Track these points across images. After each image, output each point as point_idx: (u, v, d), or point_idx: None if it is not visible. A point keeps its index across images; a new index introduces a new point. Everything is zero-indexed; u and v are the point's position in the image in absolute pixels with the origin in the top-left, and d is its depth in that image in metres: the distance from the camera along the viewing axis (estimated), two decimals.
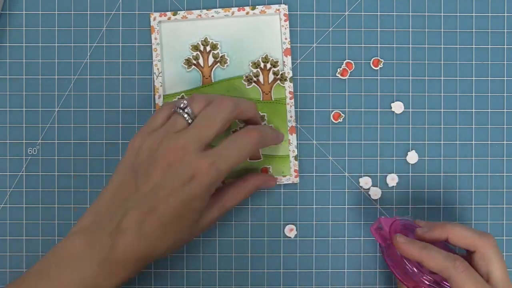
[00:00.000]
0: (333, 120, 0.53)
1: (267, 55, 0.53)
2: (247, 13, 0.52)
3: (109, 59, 0.53)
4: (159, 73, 0.52)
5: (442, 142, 0.53)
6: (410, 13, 0.53)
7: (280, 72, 0.52)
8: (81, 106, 0.53)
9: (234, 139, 0.43)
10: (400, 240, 0.44)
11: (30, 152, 0.53)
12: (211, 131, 0.43)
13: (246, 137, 0.44)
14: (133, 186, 0.43)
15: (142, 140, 0.43)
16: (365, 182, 0.53)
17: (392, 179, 0.53)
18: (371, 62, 0.53)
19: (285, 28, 0.52)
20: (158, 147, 0.42)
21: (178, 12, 0.52)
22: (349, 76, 0.53)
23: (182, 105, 0.44)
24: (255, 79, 0.53)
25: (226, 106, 0.44)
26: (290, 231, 0.53)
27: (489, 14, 0.53)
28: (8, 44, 0.53)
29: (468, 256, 0.45)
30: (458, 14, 0.53)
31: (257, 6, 0.52)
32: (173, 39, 0.53)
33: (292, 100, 0.52)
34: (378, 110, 0.53)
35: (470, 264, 0.43)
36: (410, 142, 0.53)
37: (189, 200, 0.42)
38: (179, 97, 0.52)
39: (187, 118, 0.44)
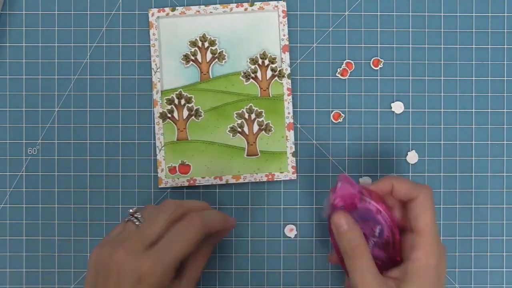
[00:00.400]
0: (333, 120, 0.53)
1: (265, 51, 0.53)
2: (246, 9, 0.52)
3: (109, 59, 0.53)
4: (157, 69, 0.52)
5: (442, 142, 0.53)
6: (410, 13, 0.53)
7: (278, 69, 0.53)
8: (81, 106, 0.53)
9: (176, 230, 0.43)
10: (361, 181, 0.47)
11: (30, 152, 0.53)
12: (152, 230, 0.43)
13: (188, 227, 0.43)
14: None
15: (97, 254, 0.43)
16: (364, 181, 0.53)
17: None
18: (371, 62, 0.53)
19: (283, 25, 0.52)
20: (107, 256, 0.42)
21: (177, 8, 0.52)
22: (349, 76, 0.53)
23: (131, 211, 0.45)
24: (253, 75, 0.53)
25: (167, 207, 0.44)
26: (290, 231, 0.53)
27: (489, 14, 0.53)
28: (8, 44, 0.53)
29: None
30: (458, 14, 0.53)
31: (255, 3, 0.52)
32: (172, 35, 0.53)
33: (290, 97, 0.53)
34: (378, 110, 0.53)
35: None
36: (410, 142, 0.53)
37: None
38: (177, 93, 0.52)
39: (136, 222, 0.44)
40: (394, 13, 0.53)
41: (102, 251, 0.43)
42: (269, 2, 0.52)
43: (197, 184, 0.52)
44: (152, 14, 0.52)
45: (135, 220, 0.44)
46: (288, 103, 0.52)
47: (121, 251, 0.42)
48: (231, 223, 0.48)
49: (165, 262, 0.42)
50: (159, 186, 0.52)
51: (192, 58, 0.53)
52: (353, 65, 0.53)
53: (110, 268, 0.42)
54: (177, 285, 0.45)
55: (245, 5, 0.52)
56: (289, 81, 0.53)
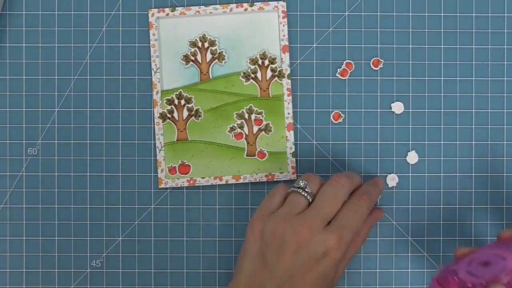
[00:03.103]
0: (333, 120, 0.53)
1: (265, 52, 0.53)
2: (245, 9, 0.52)
3: (109, 59, 0.53)
4: (157, 69, 0.52)
5: (442, 142, 0.53)
6: (410, 13, 0.53)
7: (278, 69, 0.53)
8: (81, 106, 0.53)
9: (349, 207, 0.46)
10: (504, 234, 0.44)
11: (30, 152, 0.53)
12: (333, 209, 0.45)
13: (359, 204, 0.46)
14: (267, 273, 0.44)
15: (264, 225, 0.45)
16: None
17: (392, 179, 0.53)
18: (371, 62, 0.53)
19: (283, 25, 0.52)
20: (284, 231, 0.44)
21: (176, 8, 0.52)
22: (349, 76, 0.53)
23: (302, 184, 0.47)
24: (253, 75, 0.53)
25: (344, 186, 0.46)
26: None
27: (489, 14, 0.53)
28: (8, 44, 0.53)
29: None
30: (458, 14, 0.53)
31: (255, 3, 0.52)
32: (171, 35, 0.53)
33: (290, 97, 0.53)
34: (378, 110, 0.53)
35: None
36: (410, 142, 0.53)
37: (325, 275, 0.44)
38: (177, 93, 0.52)
39: (307, 197, 0.46)
40: (394, 13, 0.53)
41: (275, 225, 0.45)
42: (269, 2, 0.52)
43: (197, 184, 0.52)
44: (152, 15, 0.52)
45: (306, 195, 0.46)
46: (288, 103, 0.53)
47: (303, 229, 0.44)
48: (380, 188, 0.50)
49: (347, 238, 0.44)
50: (159, 186, 0.52)
51: (192, 58, 0.53)
52: (353, 65, 0.53)
53: (289, 243, 0.44)
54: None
55: (245, 5, 0.52)
56: (289, 81, 0.53)
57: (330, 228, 0.45)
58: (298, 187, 0.46)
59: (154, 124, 0.53)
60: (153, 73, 0.52)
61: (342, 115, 0.53)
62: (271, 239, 0.44)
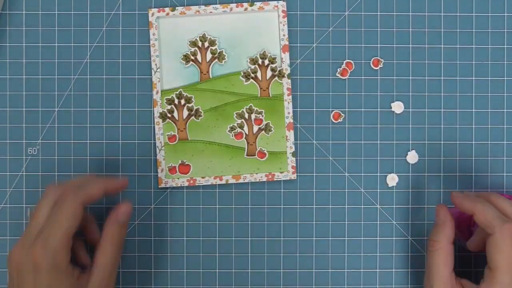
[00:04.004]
0: (333, 120, 0.53)
1: (265, 51, 0.53)
2: (245, 9, 0.52)
3: (109, 59, 0.53)
4: (157, 69, 0.52)
5: (442, 142, 0.53)
6: (410, 13, 0.53)
7: (278, 69, 0.53)
8: (81, 106, 0.53)
9: (53, 211, 0.44)
10: (454, 195, 0.46)
11: (30, 152, 0.53)
12: (37, 219, 0.44)
13: (62, 204, 0.44)
14: None
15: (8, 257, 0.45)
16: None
17: (392, 179, 0.53)
18: (371, 62, 0.53)
19: (283, 25, 0.52)
20: (8, 258, 0.44)
21: (177, 7, 0.52)
22: (349, 76, 0.53)
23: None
24: (253, 75, 0.53)
25: (45, 195, 0.45)
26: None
27: (489, 14, 0.53)
28: (8, 44, 0.53)
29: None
30: (458, 14, 0.53)
31: (255, 3, 0.52)
32: (171, 34, 0.53)
33: (290, 97, 0.53)
34: (378, 110, 0.53)
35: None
36: (410, 142, 0.53)
37: (50, 283, 0.43)
38: (177, 93, 0.52)
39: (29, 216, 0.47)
40: (394, 13, 0.53)
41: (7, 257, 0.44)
42: (269, 2, 0.52)
43: (197, 184, 0.52)
44: (152, 14, 0.52)
45: (29, 215, 0.46)
46: (288, 103, 0.53)
47: (15, 249, 0.44)
48: (116, 185, 0.48)
49: (51, 244, 0.42)
50: (159, 186, 0.52)
51: (192, 58, 0.53)
52: (353, 65, 0.53)
53: (11, 267, 0.44)
54: (87, 273, 0.45)
55: (245, 5, 0.52)
56: (289, 81, 0.53)
57: (36, 240, 0.43)
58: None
59: (154, 124, 0.53)
60: (153, 72, 0.52)
61: (342, 114, 0.53)
62: (9, 268, 0.45)
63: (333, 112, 0.53)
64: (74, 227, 0.44)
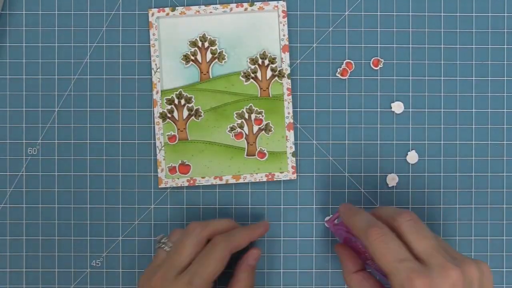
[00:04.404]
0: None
1: (265, 51, 0.53)
2: (246, 9, 0.52)
3: (109, 59, 0.53)
4: (157, 69, 0.52)
5: (442, 142, 0.53)
6: (410, 13, 0.53)
7: (278, 69, 0.53)
8: (81, 106, 0.53)
9: (203, 254, 0.46)
10: (341, 210, 0.46)
11: (30, 152, 0.53)
12: (183, 257, 0.46)
13: (213, 250, 0.46)
14: None
15: (138, 284, 0.47)
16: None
17: (392, 179, 0.53)
18: (371, 62, 0.53)
19: (283, 25, 0.52)
20: (143, 285, 0.46)
21: (176, 8, 0.52)
22: (349, 76, 0.53)
23: (158, 238, 0.49)
24: (253, 75, 0.53)
25: (192, 230, 0.47)
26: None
27: (489, 14, 0.53)
28: (8, 44, 0.53)
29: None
30: (458, 14, 0.53)
31: (255, 3, 0.52)
32: (171, 35, 0.53)
33: (290, 97, 0.53)
34: (378, 110, 0.53)
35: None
36: (410, 142, 0.53)
37: None
38: (177, 93, 0.52)
39: (165, 248, 0.48)
40: (394, 13, 0.53)
41: (140, 281, 0.47)
42: (269, 2, 0.52)
43: (197, 184, 0.52)
44: (152, 14, 0.52)
45: (163, 246, 0.48)
46: (288, 103, 0.53)
47: (156, 278, 0.45)
48: (259, 233, 0.49)
49: (196, 282, 0.45)
50: (159, 186, 0.52)
51: (192, 58, 0.53)
52: (353, 65, 0.53)
53: None
54: None
55: (245, 5, 0.52)
56: (289, 81, 0.53)
57: (180, 276, 0.45)
58: (157, 241, 0.48)
59: (154, 124, 0.53)
60: (153, 72, 0.52)
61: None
62: None
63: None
64: (218, 272, 0.46)
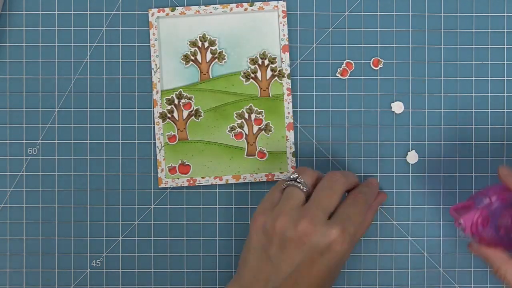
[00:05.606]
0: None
1: (265, 51, 0.53)
2: (245, 9, 0.52)
3: (109, 59, 0.53)
4: (157, 69, 0.52)
5: (442, 142, 0.53)
6: (410, 13, 0.53)
7: (278, 69, 0.53)
8: (81, 106, 0.53)
9: (348, 202, 0.46)
10: (501, 170, 0.46)
11: (30, 152, 0.53)
12: (332, 202, 0.45)
13: (361, 200, 0.47)
14: (271, 267, 0.45)
15: (265, 219, 0.45)
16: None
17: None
18: (371, 62, 0.53)
19: (283, 25, 0.52)
20: (285, 225, 0.44)
21: (176, 8, 0.52)
22: (349, 76, 0.53)
23: (293, 176, 0.47)
24: (253, 75, 0.53)
25: (340, 179, 0.46)
26: None
27: (489, 14, 0.53)
28: (8, 44, 0.53)
29: None
30: (458, 14, 0.53)
31: (255, 3, 0.52)
32: (171, 35, 0.53)
33: (290, 97, 0.53)
34: (378, 110, 0.53)
35: None
36: (410, 142, 0.53)
37: (329, 268, 0.44)
38: (177, 93, 0.52)
39: (302, 188, 0.46)
40: (394, 13, 0.53)
41: (276, 220, 0.44)
42: (269, 2, 0.52)
43: (197, 184, 0.52)
44: (152, 14, 0.52)
45: (300, 186, 0.46)
46: (288, 103, 0.53)
47: (305, 221, 0.44)
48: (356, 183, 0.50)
49: (350, 231, 0.44)
50: (159, 186, 0.52)
51: (192, 58, 0.53)
52: (353, 65, 0.53)
53: (291, 237, 0.44)
54: None
55: (245, 5, 0.52)
56: (289, 81, 0.53)
57: (333, 220, 0.44)
58: (290, 180, 0.46)
59: (154, 124, 0.53)
60: (153, 72, 0.52)
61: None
62: (272, 234, 0.44)
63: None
64: (335, 207, 0.46)
